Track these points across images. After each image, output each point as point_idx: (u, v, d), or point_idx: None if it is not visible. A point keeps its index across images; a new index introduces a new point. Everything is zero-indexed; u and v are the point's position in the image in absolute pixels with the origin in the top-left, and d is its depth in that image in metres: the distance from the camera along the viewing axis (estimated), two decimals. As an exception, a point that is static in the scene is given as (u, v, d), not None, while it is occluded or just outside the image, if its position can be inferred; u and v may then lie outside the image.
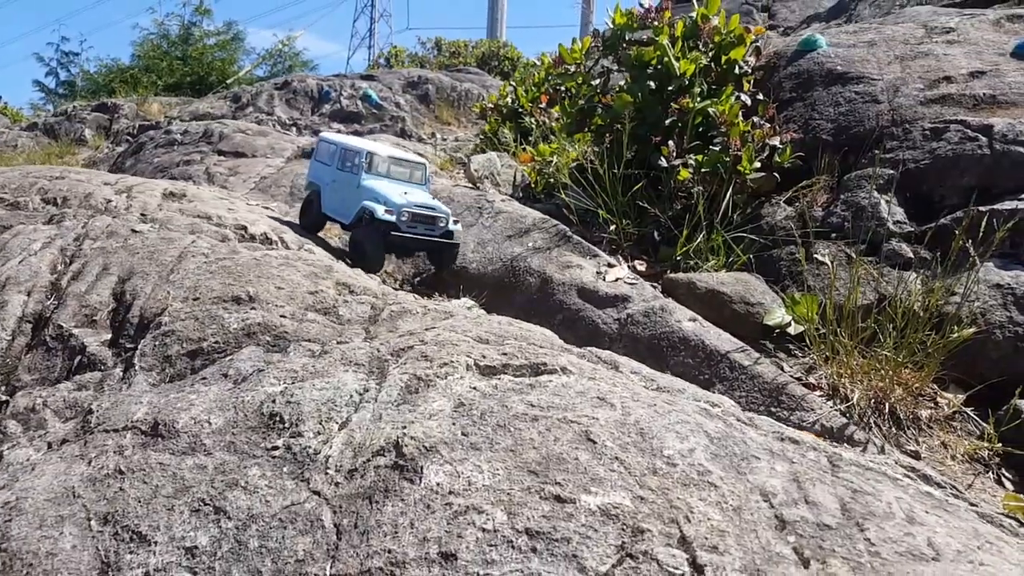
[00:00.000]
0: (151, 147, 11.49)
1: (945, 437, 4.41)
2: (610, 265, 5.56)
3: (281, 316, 3.85)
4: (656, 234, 6.69)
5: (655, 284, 5.57)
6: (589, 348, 3.35)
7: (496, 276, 5.78)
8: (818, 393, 4.52)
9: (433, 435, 2.49)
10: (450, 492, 2.25)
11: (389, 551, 2.12)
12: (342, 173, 5.90)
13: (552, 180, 7.69)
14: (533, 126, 10.22)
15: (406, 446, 2.47)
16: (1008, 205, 5.13)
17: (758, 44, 7.57)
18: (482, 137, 11.92)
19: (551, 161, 7.92)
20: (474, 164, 7.49)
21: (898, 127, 6.04)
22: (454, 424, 2.58)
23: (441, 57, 29.61)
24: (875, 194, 5.62)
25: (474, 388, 2.84)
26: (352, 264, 5.37)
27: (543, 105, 10.25)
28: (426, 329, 3.53)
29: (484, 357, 3.04)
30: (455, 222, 5.86)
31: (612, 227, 6.48)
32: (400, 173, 6.02)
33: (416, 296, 4.93)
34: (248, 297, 4.04)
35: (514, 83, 11.76)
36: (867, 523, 2.07)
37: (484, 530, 2.09)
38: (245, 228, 5.53)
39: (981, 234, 4.75)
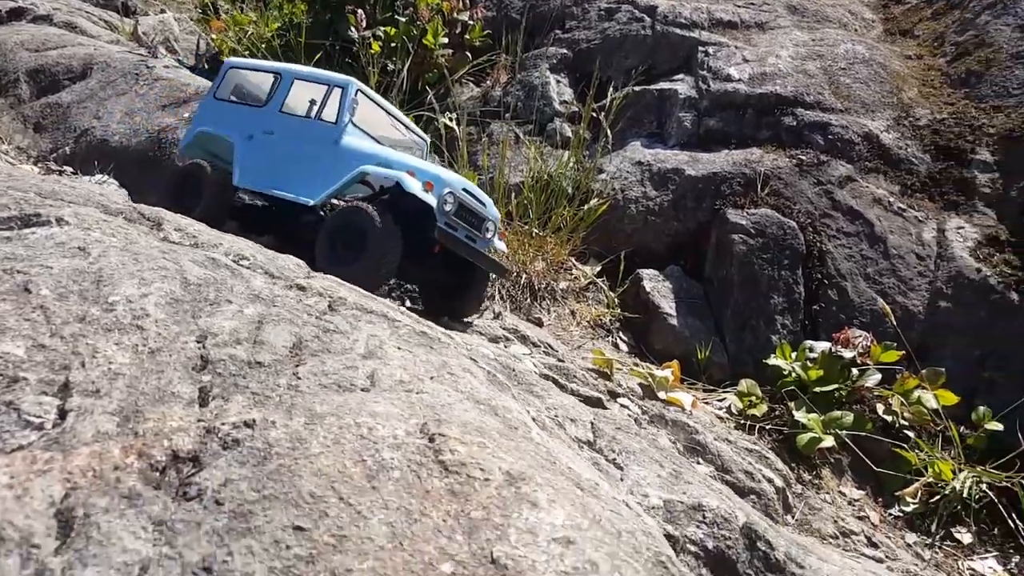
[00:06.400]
0: None
1: (576, 306, 4.61)
2: (271, 138, 5.11)
3: None
4: (349, 113, 6.30)
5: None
6: (136, 205, 2.95)
7: (140, 149, 5.12)
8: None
9: None
10: None
11: None
12: (289, 120, 3.65)
13: (249, 51, 6.97)
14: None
15: None
16: (659, 86, 5.35)
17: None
18: (199, 6, 10.63)
19: (248, 30, 7.17)
20: (143, 26, 6.54)
21: (578, 7, 6.06)
22: None
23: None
24: (547, 74, 5.64)
25: (-68, 242, 2.33)
26: (329, 268, 2.97)
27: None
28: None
29: (-31, 208, 2.52)
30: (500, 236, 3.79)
31: (291, 101, 5.98)
32: (392, 139, 3.94)
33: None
34: None
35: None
36: (311, 359, 1.93)
37: None
38: None
39: (629, 114, 4.90)
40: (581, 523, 1.56)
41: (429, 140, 4.24)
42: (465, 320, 3.70)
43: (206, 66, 6.84)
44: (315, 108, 3.63)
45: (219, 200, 3.63)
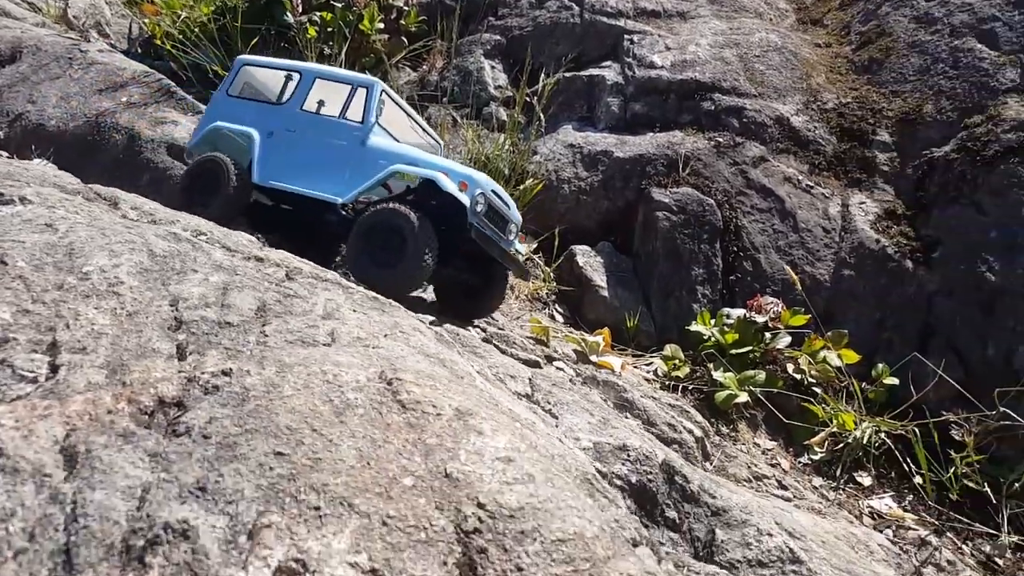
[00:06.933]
0: None
1: (514, 281, 4.88)
2: (211, 122, 5.19)
3: None
4: (287, 97, 6.40)
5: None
6: (90, 185, 3.07)
7: (79, 134, 5.12)
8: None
9: None
10: None
11: None
12: (313, 119, 3.65)
13: (183, 35, 6.95)
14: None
15: None
16: (588, 72, 5.65)
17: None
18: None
19: (180, 15, 7.15)
20: (73, 9, 6.47)
21: (511, -5, 6.31)
22: None
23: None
24: (482, 59, 5.86)
25: None
26: (363, 270, 3.19)
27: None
28: None
29: (-71, 189, 2.61)
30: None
31: (230, 86, 6.04)
32: (411, 141, 3.91)
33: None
34: None
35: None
36: (275, 320, 2.14)
37: None
38: None
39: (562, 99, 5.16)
40: (520, 447, 1.83)
41: (444, 144, 4.26)
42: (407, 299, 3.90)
43: (139, 50, 6.80)
44: (325, 106, 3.63)
45: (238, 198, 3.58)
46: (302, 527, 1.47)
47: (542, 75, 5.46)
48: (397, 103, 3.82)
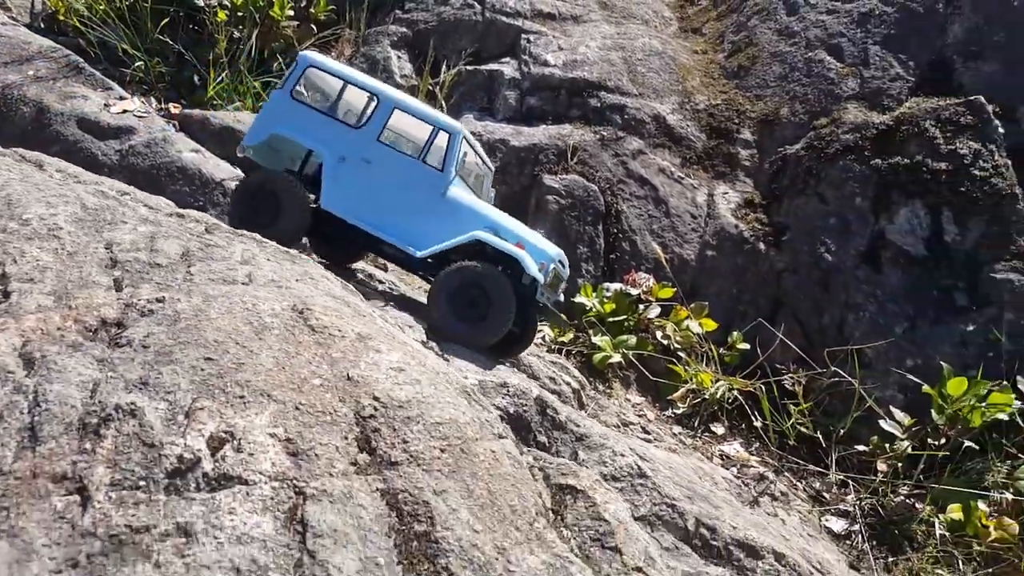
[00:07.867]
0: None
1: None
2: (121, 98, 5.33)
3: None
4: (196, 77, 6.54)
5: (172, 121, 5.52)
6: (15, 149, 3.27)
7: (-18, 104, 5.14)
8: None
9: None
10: None
11: None
12: (390, 153, 3.57)
13: (90, 10, 6.94)
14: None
15: None
16: (488, 67, 6.11)
17: None
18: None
19: (84, -9, 7.12)
20: (-30, -21, 6.38)
21: (417, -10, 6.69)
22: None
23: None
24: (388, 49, 6.22)
25: None
26: (440, 328, 3.38)
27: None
28: None
29: None
30: None
31: (139, 64, 6.15)
32: (471, 172, 3.94)
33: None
34: None
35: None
36: (199, 263, 2.47)
37: None
38: None
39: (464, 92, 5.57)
40: (410, 362, 2.26)
41: (493, 168, 4.36)
42: None
43: (42, 25, 6.76)
44: (426, 150, 3.57)
45: (303, 220, 3.53)
46: (229, 410, 1.85)
47: (444, 67, 5.88)
48: (468, 141, 3.79)
